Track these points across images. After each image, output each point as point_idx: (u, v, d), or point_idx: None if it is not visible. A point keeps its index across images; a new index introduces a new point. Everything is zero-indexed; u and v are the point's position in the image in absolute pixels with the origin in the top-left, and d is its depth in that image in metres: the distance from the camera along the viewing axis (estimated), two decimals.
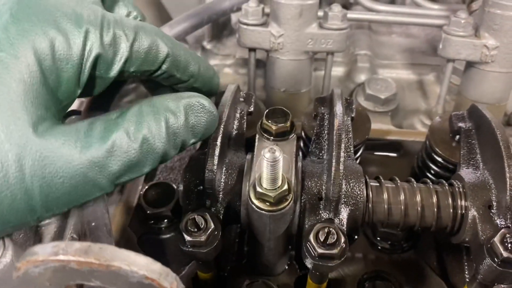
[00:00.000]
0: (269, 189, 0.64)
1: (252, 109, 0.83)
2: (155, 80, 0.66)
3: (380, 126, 1.05)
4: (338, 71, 1.22)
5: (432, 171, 0.89)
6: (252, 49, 1.04)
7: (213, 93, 0.69)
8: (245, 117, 0.82)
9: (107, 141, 0.49)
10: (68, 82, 0.52)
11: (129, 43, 0.56)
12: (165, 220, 0.87)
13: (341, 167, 0.68)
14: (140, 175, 0.53)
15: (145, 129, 0.51)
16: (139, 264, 0.45)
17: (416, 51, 1.30)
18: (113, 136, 0.49)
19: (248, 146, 0.81)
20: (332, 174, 0.67)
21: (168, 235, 0.87)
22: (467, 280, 0.81)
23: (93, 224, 0.65)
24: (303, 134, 0.89)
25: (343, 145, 0.69)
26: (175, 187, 0.90)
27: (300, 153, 0.91)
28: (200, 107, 0.56)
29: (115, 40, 0.55)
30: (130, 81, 0.82)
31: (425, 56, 1.28)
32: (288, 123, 0.74)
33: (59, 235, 0.76)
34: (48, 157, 0.47)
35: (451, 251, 0.84)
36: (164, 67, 0.61)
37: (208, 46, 1.28)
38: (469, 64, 1.01)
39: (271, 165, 0.60)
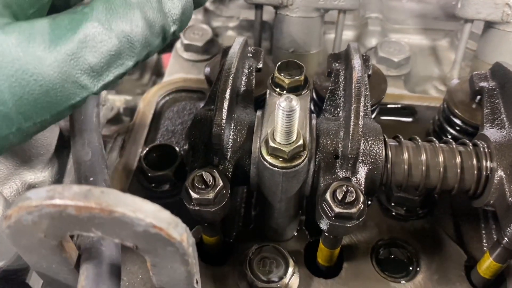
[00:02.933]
0: (283, 144, 0.59)
1: (261, 65, 0.78)
2: None
3: (393, 90, 1.00)
4: (348, 34, 1.16)
5: (449, 136, 0.85)
6: (258, 6, 0.98)
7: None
8: (253, 73, 0.76)
9: (78, 31, 0.44)
10: None
11: None
12: (167, 184, 0.82)
13: (360, 122, 0.63)
14: (125, 70, 0.48)
15: (118, 16, 0.47)
16: (146, 210, 0.40)
17: (428, 16, 1.23)
18: (84, 26, 0.45)
19: (256, 105, 0.76)
20: (351, 129, 0.62)
21: (170, 200, 0.82)
22: (485, 249, 0.77)
23: (91, 179, 0.60)
24: (314, 94, 0.84)
25: (362, 99, 0.64)
26: (177, 149, 0.85)
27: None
28: None
29: None
30: None
31: (438, 21, 1.22)
32: (302, 77, 0.69)
33: None
34: (12, 53, 0.42)
35: (468, 219, 0.80)
36: None
37: (210, 7, 1.21)
38: (488, 25, 0.95)
39: (287, 115, 0.55)
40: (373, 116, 0.84)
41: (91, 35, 0.45)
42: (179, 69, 1.07)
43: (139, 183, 0.84)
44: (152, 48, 0.51)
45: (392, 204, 0.81)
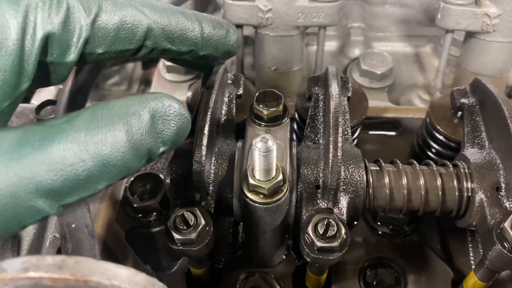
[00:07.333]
0: (263, 181, 0.59)
1: (241, 91, 0.78)
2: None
3: (376, 103, 1.00)
4: (330, 45, 1.15)
5: (433, 150, 0.85)
6: (239, 26, 0.97)
7: (232, 54, 0.60)
8: (234, 101, 0.76)
9: (46, 151, 0.39)
10: (5, 72, 0.42)
11: (90, 19, 0.46)
12: (154, 213, 0.83)
13: (339, 153, 0.63)
14: (93, 193, 0.43)
15: (98, 136, 0.41)
16: (121, 277, 0.40)
17: (411, 21, 1.23)
18: (55, 146, 0.39)
19: (239, 131, 0.76)
20: (330, 161, 0.63)
21: (157, 228, 0.82)
22: (472, 263, 0.78)
23: (73, 225, 0.60)
24: (296, 115, 0.84)
25: (340, 129, 0.64)
26: (163, 177, 0.85)
27: (295, 136, 0.87)
28: (169, 109, 0.46)
29: (69, 16, 0.45)
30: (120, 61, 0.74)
31: (421, 27, 1.21)
32: (281, 107, 0.69)
33: (39, 236, 0.71)
34: None
35: (454, 234, 0.81)
36: (148, 43, 0.50)
37: None
38: (469, 35, 0.95)
39: (264, 156, 0.55)
40: (356, 135, 0.84)
41: (61, 157, 0.39)
42: (162, 90, 1.07)
43: (125, 213, 0.84)
44: (132, 171, 0.44)
45: (379, 223, 0.81)
